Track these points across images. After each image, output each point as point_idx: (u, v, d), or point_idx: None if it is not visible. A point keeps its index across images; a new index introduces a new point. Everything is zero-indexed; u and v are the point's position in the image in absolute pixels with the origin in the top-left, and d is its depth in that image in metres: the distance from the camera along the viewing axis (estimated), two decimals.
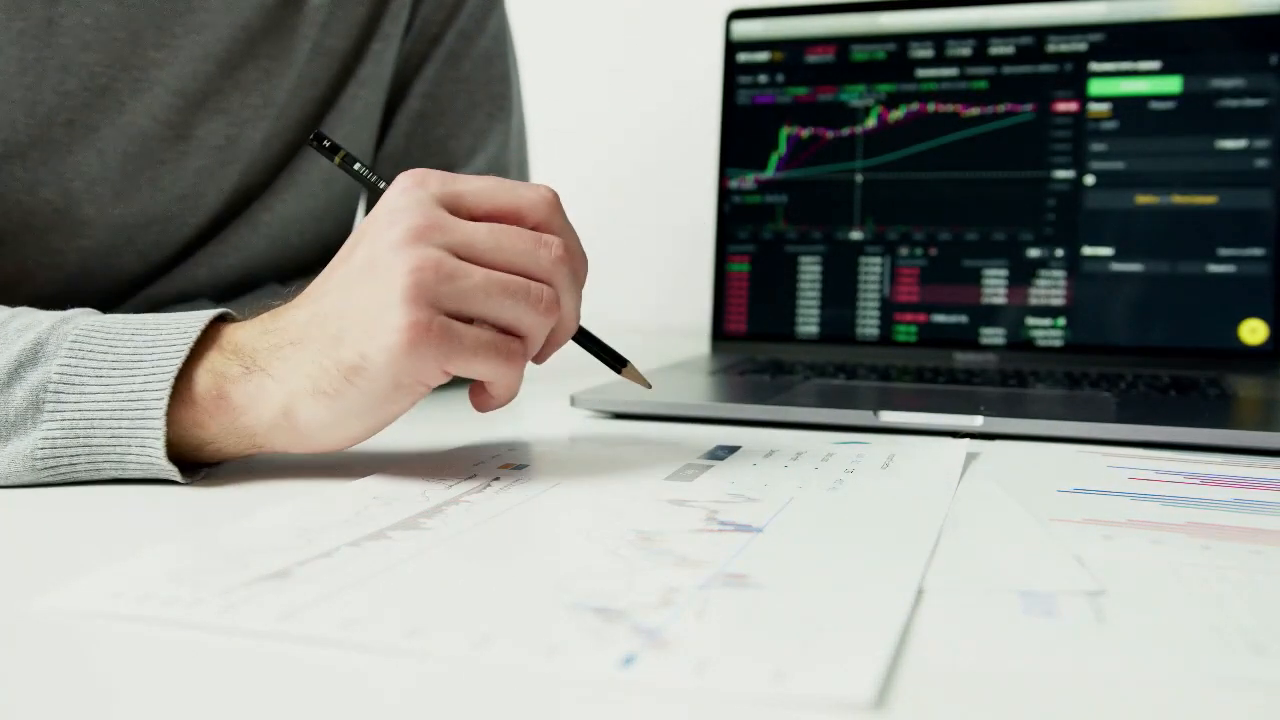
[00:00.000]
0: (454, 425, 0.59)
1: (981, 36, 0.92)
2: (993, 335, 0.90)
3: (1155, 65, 0.88)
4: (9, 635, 0.29)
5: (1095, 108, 0.89)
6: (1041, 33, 0.91)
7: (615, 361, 0.53)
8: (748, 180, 0.97)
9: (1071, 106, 0.89)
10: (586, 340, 0.52)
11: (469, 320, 0.44)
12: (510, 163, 0.80)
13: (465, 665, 0.27)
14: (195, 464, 0.46)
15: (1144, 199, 0.87)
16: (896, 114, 0.93)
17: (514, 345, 0.45)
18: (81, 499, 0.43)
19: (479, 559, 0.35)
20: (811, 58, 0.96)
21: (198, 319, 0.45)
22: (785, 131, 0.96)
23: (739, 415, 0.62)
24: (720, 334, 0.97)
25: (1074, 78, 0.90)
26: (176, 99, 0.64)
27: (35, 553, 0.37)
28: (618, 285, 1.24)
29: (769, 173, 0.96)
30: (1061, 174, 0.89)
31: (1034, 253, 0.89)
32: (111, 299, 0.67)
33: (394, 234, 0.43)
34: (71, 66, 0.60)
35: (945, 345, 0.91)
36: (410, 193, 0.44)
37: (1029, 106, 0.90)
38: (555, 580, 0.33)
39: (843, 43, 0.95)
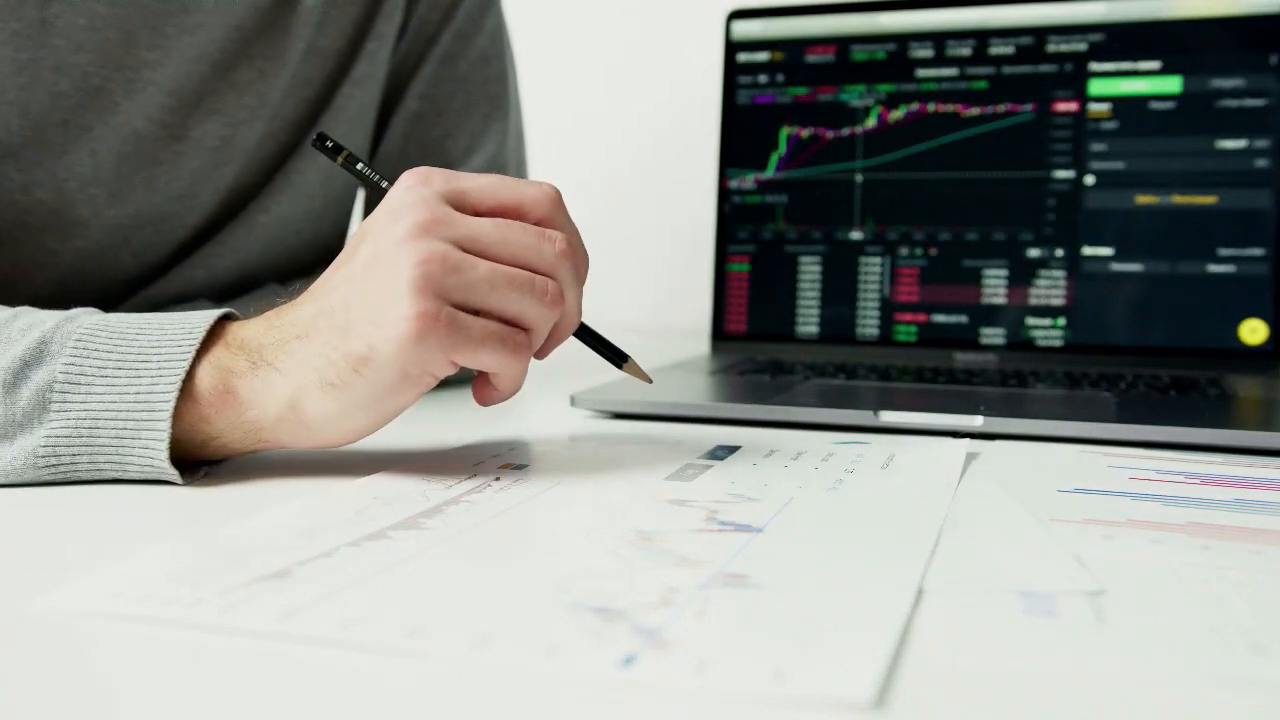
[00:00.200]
0: (454, 425, 0.59)
1: (981, 36, 0.92)
2: (993, 335, 0.90)
3: (1155, 65, 0.88)
4: (9, 635, 0.29)
5: (1095, 108, 0.89)
6: (1041, 33, 0.91)
7: (616, 356, 0.53)
8: (748, 180, 0.97)
9: (1071, 106, 0.89)
10: (588, 336, 0.52)
11: (475, 312, 0.44)
12: (508, 162, 0.80)
13: (465, 665, 0.27)
14: (197, 461, 0.46)
15: (1144, 199, 0.87)
16: (896, 114, 0.93)
17: (519, 337, 0.45)
18: (82, 499, 0.43)
19: (479, 559, 0.35)
20: (811, 58, 0.96)
21: (203, 318, 0.45)
22: (785, 131, 0.96)
23: (739, 415, 0.62)
24: (720, 334, 0.96)
25: (1074, 78, 0.90)
26: (170, 99, 0.64)
27: (35, 553, 0.37)
28: (617, 285, 1.24)
29: (769, 173, 0.96)
30: (1061, 174, 0.89)
31: (1034, 253, 0.89)
32: (108, 300, 0.67)
33: (400, 229, 0.43)
34: (65, 67, 0.60)
35: (945, 345, 0.91)
36: (414, 190, 0.45)
37: (1029, 106, 0.90)
38: (555, 580, 0.33)
39: (843, 43, 0.95)
